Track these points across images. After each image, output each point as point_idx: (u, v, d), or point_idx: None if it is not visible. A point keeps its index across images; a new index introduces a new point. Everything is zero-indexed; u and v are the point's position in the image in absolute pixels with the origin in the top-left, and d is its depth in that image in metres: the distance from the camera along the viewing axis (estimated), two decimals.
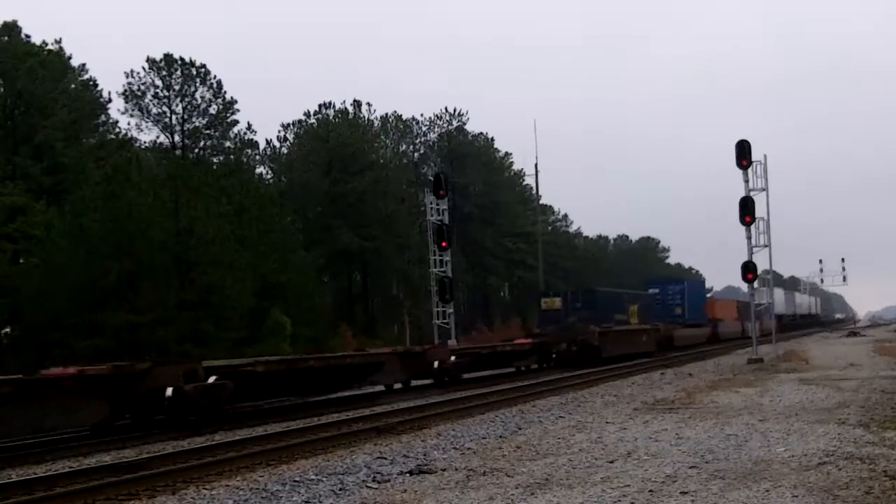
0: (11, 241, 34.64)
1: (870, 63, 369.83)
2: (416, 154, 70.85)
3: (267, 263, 39.23)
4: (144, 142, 49.04)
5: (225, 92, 49.84)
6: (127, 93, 48.29)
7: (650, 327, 41.65)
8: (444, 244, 33.34)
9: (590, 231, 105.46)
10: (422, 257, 47.53)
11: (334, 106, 59.78)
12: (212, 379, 16.58)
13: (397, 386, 24.49)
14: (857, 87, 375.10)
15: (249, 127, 51.21)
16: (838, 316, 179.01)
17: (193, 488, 10.43)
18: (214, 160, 50.07)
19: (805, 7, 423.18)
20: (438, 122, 70.37)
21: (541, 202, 69.96)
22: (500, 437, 14.02)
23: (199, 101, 49.41)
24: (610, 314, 37.58)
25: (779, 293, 78.43)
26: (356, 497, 9.42)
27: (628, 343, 37.62)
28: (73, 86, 43.03)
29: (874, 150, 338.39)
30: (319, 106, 59.62)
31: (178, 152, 48.41)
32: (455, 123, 70.39)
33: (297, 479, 10.58)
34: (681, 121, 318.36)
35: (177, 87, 48.96)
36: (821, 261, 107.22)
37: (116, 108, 47.86)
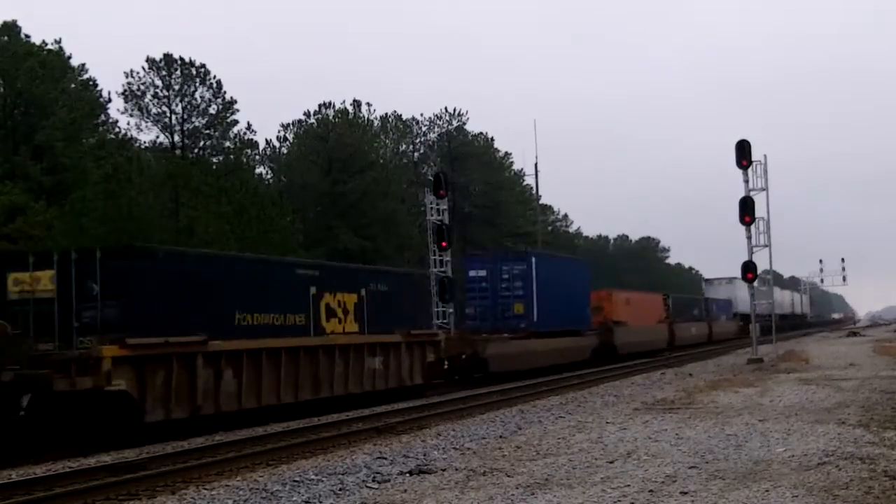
0: (11, 241, 34.60)
1: (870, 63, 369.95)
2: (416, 154, 70.78)
3: None
4: (144, 142, 49.02)
5: (225, 92, 49.81)
6: (127, 93, 48.26)
7: (397, 340, 22.74)
8: (444, 244, 33.29)
9: (590, 231, 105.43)
10: (422, 257, 47.48)
11: (334, 106, 59.78)
12: None
13: None
14: (858, 87, 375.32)
15: (249, 127, 51.17)
16: (835, 316, 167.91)
17: (193, 488, 10.43)
18: (214, 160, 50.01)
19: (806, 6, 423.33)
20: (438, 122, 70.31)
21: (541, 202, 69.92)
22: (500, 437, 14.02)
23: (199, 101, 49.37)
24: (224, 309, 17.34)
25: (742, 287, 68.18)
26: (356, 497, 9.42)
27: (286, 378, 18.60)
28: (73, 86, 42.99)
29: (874, 151, 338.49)
30: (319, 106, 59.62)
31: (178, 152, 48.35)
32: (455, 123, 70.34)
33: (297, 479, 10.58)
34: (682, 121, 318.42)
35: (176, 87, 48.92)
36: (821, 261, 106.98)
37: (116, 107, 47.76)
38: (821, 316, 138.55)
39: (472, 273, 31.47)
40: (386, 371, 22.28)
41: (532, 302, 30.43)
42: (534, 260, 31.78)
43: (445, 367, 25.99)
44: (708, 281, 76.50)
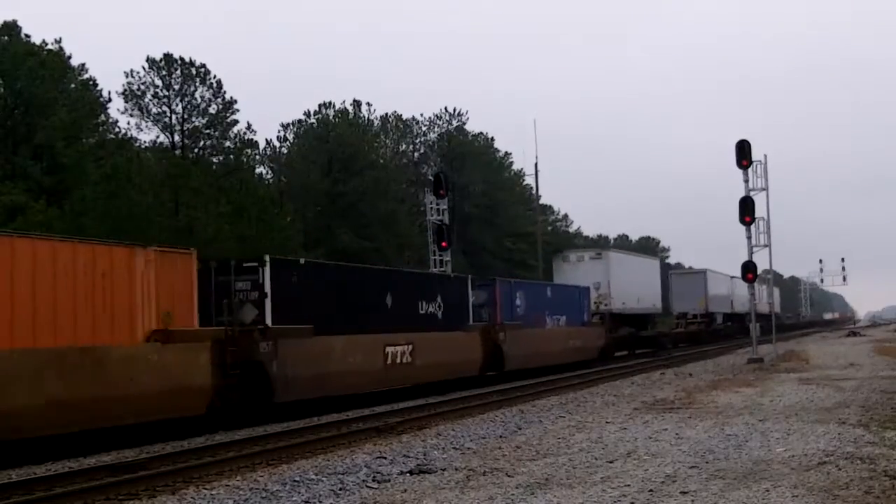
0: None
1: (871, 61, 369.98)
2: (416, 154, 70.81)
3: None
4: (144, 141, 48.98)
5: (225, 92, 49.75)
6: (127, 93, 48.23)
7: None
8: (444, 244, 33.28)
9: (590, 231, 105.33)
10: (422, 257, 47.52)
11: (334, 106, 59.77)
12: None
13: None
14: (859, 86, 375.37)
15: (249, 127, 51.10)
16: (828, 316, 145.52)
17: (193, 488, 10.44)
18: (214, 160, 50.01)
19: (806, 6, 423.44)
20: (438, 122, 70.37)
21: (541, 202, 69.88)
22: (500, 437, 14.02)
23: (199, 100, 49.33)
24: None
25: (622, 266, 41.76)
26: (356, 497, 9.42)
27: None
28: (73, 86, 42.99)
29: (875, 150, 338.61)
30: (319, 106, 59.61)
31: (178, 152, 48.34)
32: (455, 123, 70.40)
33: (297, 479, 10.58)
34: (683, 120, 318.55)
35: (176, 87, 48.89)
36: (821, 261, 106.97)
37: (116, 107, 47.74)
38: (802, 315, 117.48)
39: None
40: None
41: None
42: None
43: None
44: (561, 256, 43.35)
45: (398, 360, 22.32)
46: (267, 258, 18.84)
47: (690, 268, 74.10)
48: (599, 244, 60.26)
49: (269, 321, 18.10)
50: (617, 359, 38.58)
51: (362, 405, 20.47)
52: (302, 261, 20.83)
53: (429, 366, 23.53)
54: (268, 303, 18.28)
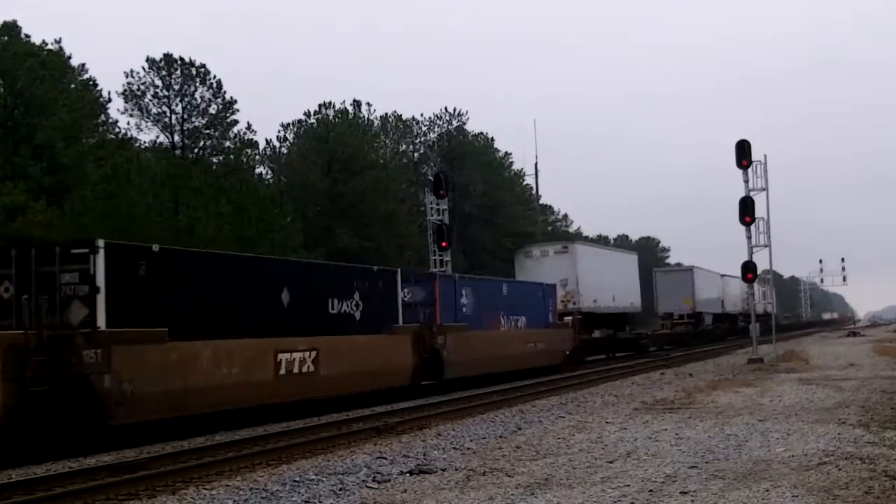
0: (12, 241, 34.58)
1: (872, 62, 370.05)
2: (416, 154, 70.83)
3: None
4: (144, 141, 49.01)
5: (225, 92, 49.77)
6: (127, 93, 48.25)
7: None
8: (444, 244, 33.28)
9: (590, 231, 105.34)
10: (422, 257, 47.54)
11: (334, 106, 59.77)
12: None
13: None
14: (859, 87, 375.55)
15: (249, 127, 51.13)
16: (827, 316, 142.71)
17: (193, 488, 10.44)
18: (214, 160, 50.03)
19: (805, 6, 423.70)
20: (438, 122, 70.40)
21: (541, 202, 69.95)
22: (500, 437, 14.02)
23: (199, 100, 49.35)
24: None
25: (591, 263, 38.44)
26: (356, 497, 9.42)
27: None
28: (73, 86, 42.98)
29: (875, 151, 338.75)
30: (319, 106, 59.61)
31: (178, 152, 48.36)
32: (455, 123, 70.43)
33: (297, 479, 10.59)
34: (683, 120, 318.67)
35: (176, 87, 48.90)
36: (821, 261, 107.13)
37: (116, 107, 47.77)
38: (801, 316, 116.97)
39: None
40: None
41: None
42: None
43: None
44: (523, 251, 41.37)
45: (295, 370, 18.24)
46: (101, 243, 14.48)
47: (677, 264, 71.99)
48: (598, 244, 62.41)
49: (102, 323, 14.13)
50: (591, 363, 35.74)
51: (362, 405, 20.40)
52: (155, 247, 16.05)
53: (338, 375, 19.41)
54: (100, 299, 14.19)
